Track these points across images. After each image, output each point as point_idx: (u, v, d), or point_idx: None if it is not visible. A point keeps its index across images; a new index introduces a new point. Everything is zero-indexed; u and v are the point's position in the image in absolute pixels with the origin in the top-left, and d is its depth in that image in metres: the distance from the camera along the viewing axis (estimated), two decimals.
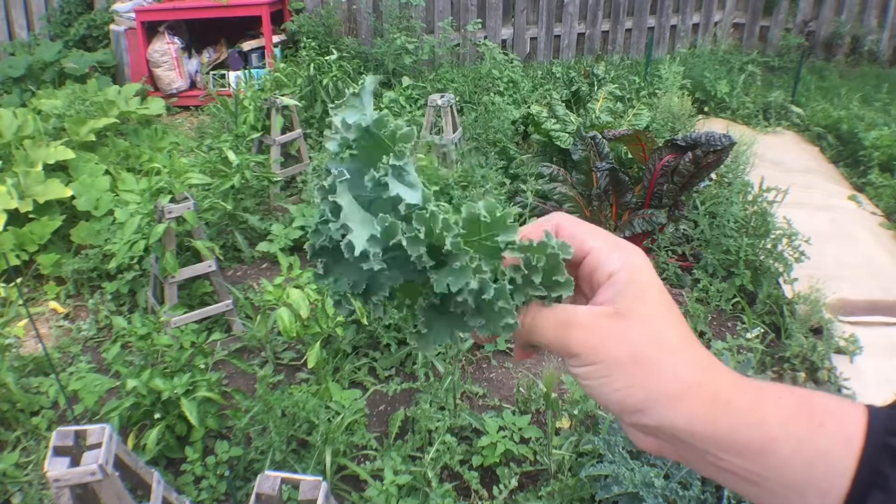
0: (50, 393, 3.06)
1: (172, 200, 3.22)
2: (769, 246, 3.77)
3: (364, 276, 0.60)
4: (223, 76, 6.20)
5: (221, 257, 3.81)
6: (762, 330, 3.46)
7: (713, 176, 4.22)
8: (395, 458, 2.59)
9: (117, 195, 3.96)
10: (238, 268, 4.06)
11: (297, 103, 4.67)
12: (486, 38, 6.54)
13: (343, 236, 0.55)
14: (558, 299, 0.59)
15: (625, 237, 3.71)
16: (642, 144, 3.90)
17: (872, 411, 0.51)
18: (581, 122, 4.42)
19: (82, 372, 2.97)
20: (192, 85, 6.29)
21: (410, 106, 5.60)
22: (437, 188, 4.03)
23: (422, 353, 3.17)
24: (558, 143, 4.33)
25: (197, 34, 6.43)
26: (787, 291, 3.69)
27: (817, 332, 3.45)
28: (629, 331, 0.53)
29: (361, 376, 3.19)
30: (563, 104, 4.68)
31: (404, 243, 0.55)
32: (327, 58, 5.43)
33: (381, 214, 0.56)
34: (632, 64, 6.96)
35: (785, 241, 3.73)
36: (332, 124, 0.60)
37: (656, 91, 5.75)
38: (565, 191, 3.80)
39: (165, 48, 6.02)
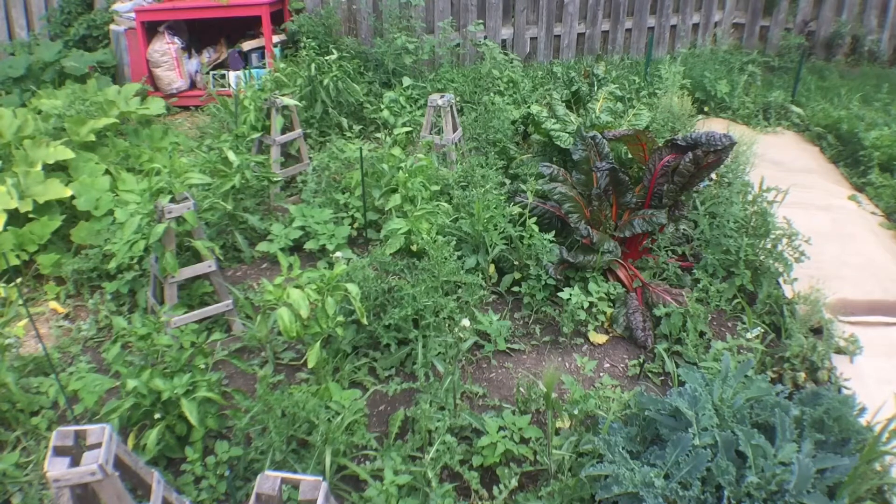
0: (50, 393, 3.06)
1: (172, 200, 3.22)
2: (769, 246, 3.77)
3: None
4: (223, 76, 6.20)
5: (221, 257, 3.81)
6: (762, 330, 3.46)
7: (713, 176, 4.22)
8: (395, 458, 2.59)
9: (117, 195, 3.96)
10: (238, 268, 4.06)
11: (297, 103, 4.67)
12: (486, 37, 6.54)
13: None
14: None
15: (625, 237, 3.72)
16: (642, 144, 3.90)
17: None
18: (581, 122, 4.42)
19: (82, 372, 2.97)
20: (192, 85, 6.29)
21: (410, 106, 5.60)
22: (437, 188, 4.04)
23: (422, 353, 3.17)
24: (558, 143, 4.33)
25: (197, 34, 6.43)
26: (788, 291, 3.70)
27: (817, 332, 3.45)
28: None
29: (361, 376, 3.20)
30: (564, 104, 4.67)
31: None
32: (327, 58, 5.43)
33: None
34: (632, 64, 6.96)
35: (785, 241, 3.73)
36: None
37: (656, 91, 5.74)
38: (565, 191, 3.80)
39: (165, 48, 6.02)
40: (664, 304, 3.49)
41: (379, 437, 2.91)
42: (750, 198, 4.00)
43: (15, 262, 3.74)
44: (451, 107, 4.51)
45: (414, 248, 3.62)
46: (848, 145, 5.52)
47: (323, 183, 4.39)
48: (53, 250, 3.90)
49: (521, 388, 3.05)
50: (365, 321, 3.12)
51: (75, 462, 1.87)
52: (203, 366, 2.84)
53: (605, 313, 3.58)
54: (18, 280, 3.83)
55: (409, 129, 5.05)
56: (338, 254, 3.41)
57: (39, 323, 3.64)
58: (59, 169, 4.16)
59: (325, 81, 5.29)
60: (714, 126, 5.64)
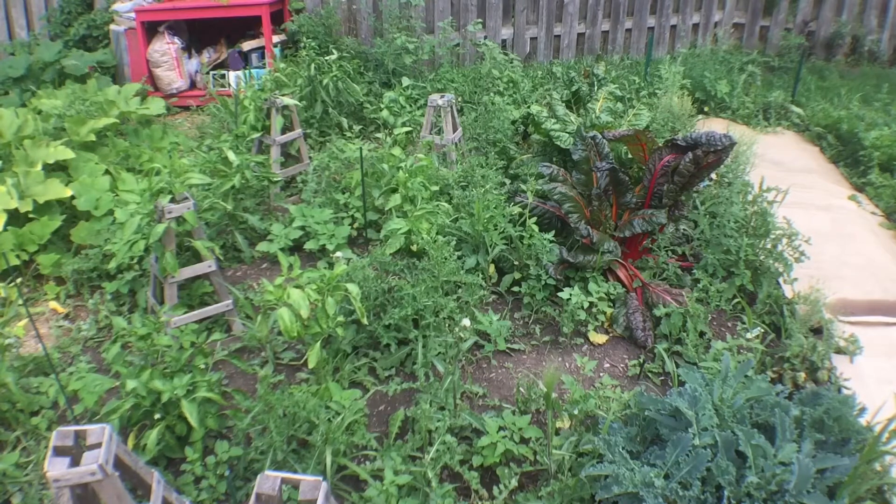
0: (50, 393, 3.06)
1: (172, 200, 3.22)
2: (769, 246, 3.77)
3: None
4: (223, 76, 6.20)
5: (221, 257, 3.81)
6: (762, 330, 3.46)
7: (713, 176, 4.22)
8: (395, 459, 2.59)
9: (117, 195, 3.96)
10: (238, 268, 4.06)
11: (297, 103, 4.67)
12: (486, 37, 6.54)
13: None
14: None
15: (625, 237, 3.72)
16: (642, 144, 3.90)
17: None
18: (581, 122, 4.42)
19: (82, 372, 2.97)
20: (192, 85, 6.29)
21: (410, 106, 5.60)
22: (437, 188, 4.04)
23: (422, 353, 3.17)
24: (558, 143, 4.33)
25: (197, 34, 6.43)
26: (788, 291, 3.70)
27: (817, 332, 3.45)
28: None
29: (361, 376, 3.20)
30: (563, 104, 4.67)
31: None
32: (327, 58, 5.43)
33: None
34: (632, 64, 6.96)
35: (785, 241, 3.73)
36: None
37: (656, 91, 5.74)
38: (565, 191, 3.80)
39: (165, 48, 6.02)
40: (664, 304, 3.49)
41: (379, 437, 2.91)
42: (750, 198, 4.00)
43: (15, 262, 3.74)
44: (452, 107, 4.51)
45: (414, 248, 3.62)
46: (848, 145, 5.52)
47: (323, 183, 4.39)
48: (53, 250, 3.90)
49: (521, 388, 3.05)
50: (365, 321, 3.12)
51: (75, 462, 1.87)
52: (203, 366, 2.84)
53: (605, 313, 3.58)
54: (18, 280, 3.83)
55: (409, 129, 5.05)
56: (338, 254, 3.41)
57: (39, 323, 3.64)
58: (59, 169, 4.16)
59: (325, 81, 5.29)
60: (714, 126, 5.64)
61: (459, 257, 3.60)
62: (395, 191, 3.98)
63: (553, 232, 3.71)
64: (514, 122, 4.98)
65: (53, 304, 3.75)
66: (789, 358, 3.27)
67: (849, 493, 2.36)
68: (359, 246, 4.11)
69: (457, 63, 6.50)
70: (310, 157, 4.82)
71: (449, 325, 3.26)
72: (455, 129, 4.59)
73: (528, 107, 5.04)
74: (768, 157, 5.22)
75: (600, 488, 2.34)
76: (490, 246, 3.69)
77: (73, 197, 3.98)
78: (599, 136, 3.87)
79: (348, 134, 5.09)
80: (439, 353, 3.15)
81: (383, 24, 6.26)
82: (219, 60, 6.40)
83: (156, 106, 5.08)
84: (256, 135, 4.57)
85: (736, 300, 3.69)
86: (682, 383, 2.96)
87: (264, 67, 6.09)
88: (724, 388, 2.59)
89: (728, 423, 2.46)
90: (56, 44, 6.14)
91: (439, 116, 4.50)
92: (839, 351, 3.41)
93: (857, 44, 7.29)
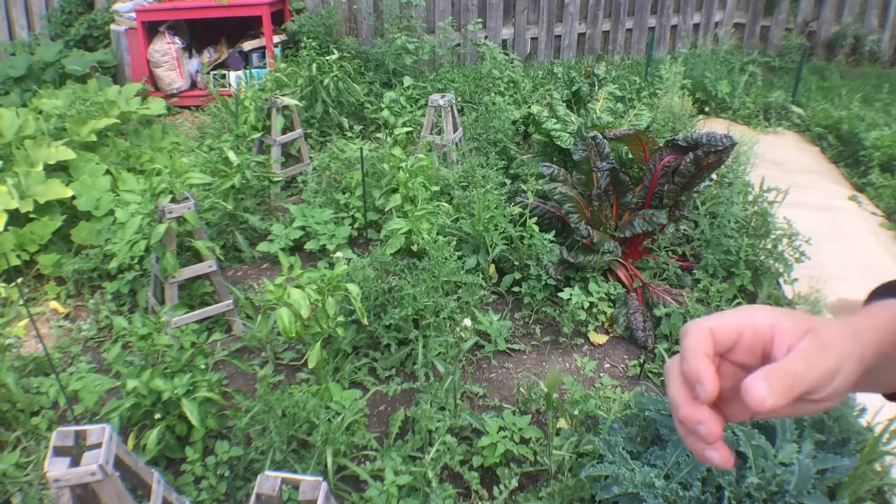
0: (50, 393, 3.06)
1: (173, 200, 3.22)
2: (769, 246, 3.77)
3: None
4: (224, 76, 6.20)
5: (222, 257, 3.81)
6: None
7: (714, 176, 4.21)
8: (396, 459, 2.59)
9: (118, 195, 3.96)
10: (238, 268, 4.06)
11: (297, 103, 4.67)
12: (486, 38, 6.54)
13: None
14: None
15: (625, 237, 3.71)
16: (643, 144, 3.90)
17: None
18: (582, 122, 4.42)
19: (82, 372, 2.97)
20: (193, 85, 6.29)
21: (411, 106, 5.60)
22: (437, 188, 4.04)
23: (422, 353, 3.17)
24: (559, 143, 4.33)
25: (197, 34, 6.43)
26: (788, 292, 3.69)
27: None
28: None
29: (361, 376, 3.20)
30: (564, 104, 4.67)
31: None
32: (328, 58, 5.43)
33: None
34: (632, 64, 6.96)
35: (785, 241, 3.72)
36: None
37: (657, 91, 5.74)
38: (565, 191, 3.79)
39: (166, 48, 6.02)
40: (664, 305, 3.49)
41: (379, 437, 2.91)
42: (750, 198, 4.00)
43: (16, 262, 3.74)
44: (452, 107, 4.51)
45: (414, 248, 3.62)
46: (848, 145, 5.52)
47: (323, 183, 4.40)
48: (54, 250, 3.90)
49: (521, 389, 3.05)
50: (365, 321, 3.12)
51: (75, 462, 1.87)
52: (203, 366, 2.84)
53: (605, 313, 3.58)
54: (19, 280, 3.83)
55: (410, 129, 5.05)
56: (338, 254, 3.41)
57: (40, 323, 3.64)
58: (59, 169, 4.17)
59: (326, 81, 5.29)
60: (715, 126, 5.64)
61: (460, 257, 3.60)
62: (395, 191, 3.98)
63: (553, 232, 3.71)
64: (514, 122, 4.98)
65: (54, 304, 3.75)
66: None
67: (849, 494, 2.36)
68: (359, 246, 4.11)
69: (457, 63, 6.50)
70: (310, 157, 4.82)
71: (449, 325, 3.26)
72: (455, 129, 4.59)
73: (529, 107, 5.04)
74: (769, 158, 5.22)
75: (600, 489, 2.34)
76: (490, 246, 3.69)
77: (73, 197, 3.98)
78: (600, 136, 3.86)
79: (349, 134, 5.09)
80: (439, 353, 3.15)
81: (384, 24, 6.26)
82: (219, 60, 6.40)
83: (156, 106, 5.08)
84: (257, 135, 4.57)
85: (736, 300, 3.68)
86: None
87: (265, 67, 6.09)
88: None
89: (728, 424, 2.46)
90: (57, 44, 6.14)
91: (440, 116, 4.50)
92: None
93: (857, 44, 7.28)
